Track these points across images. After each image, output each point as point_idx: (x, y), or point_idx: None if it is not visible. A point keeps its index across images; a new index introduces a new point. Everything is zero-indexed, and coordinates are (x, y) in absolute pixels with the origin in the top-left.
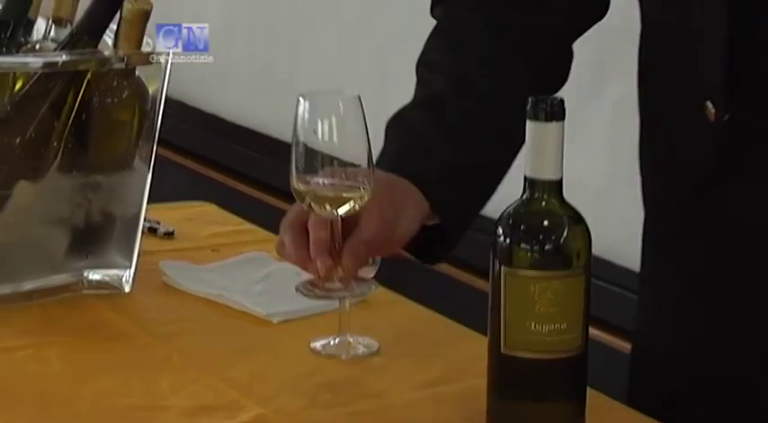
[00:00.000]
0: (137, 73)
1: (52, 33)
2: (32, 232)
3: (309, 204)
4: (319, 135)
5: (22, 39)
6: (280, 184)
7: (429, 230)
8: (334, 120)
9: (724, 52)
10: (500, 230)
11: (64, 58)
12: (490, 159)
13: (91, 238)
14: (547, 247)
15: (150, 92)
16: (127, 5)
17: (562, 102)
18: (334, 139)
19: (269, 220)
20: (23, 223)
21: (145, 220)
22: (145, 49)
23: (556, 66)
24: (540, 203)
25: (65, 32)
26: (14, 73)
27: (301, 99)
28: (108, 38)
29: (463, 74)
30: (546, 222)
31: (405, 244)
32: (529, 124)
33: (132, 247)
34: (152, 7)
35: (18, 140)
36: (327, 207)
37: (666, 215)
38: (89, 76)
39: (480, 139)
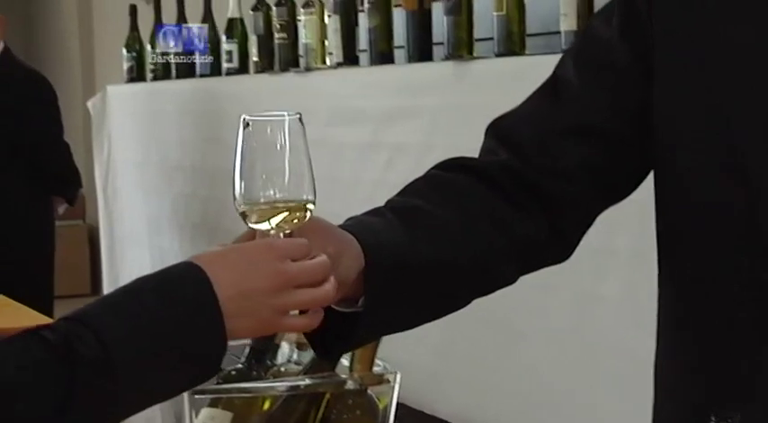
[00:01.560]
0: (369, 391)
1: (295, 356)
2: None
3: (252, 224)
4: (262, 156)
5: (269, 362)
6: None
7: (340, 318)
8: (277, 141)
9: None
10: None
11: (306, 381)
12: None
13: None
14: None
15: (380, 407)
16: None
17: None
18: (278, 159)
19: None
20: None
21: None
22: (376, 369)
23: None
24: None
25: (307, 355)
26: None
27: (243, 120)
28: (345, 360)
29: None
30: None
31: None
32: None
33: None
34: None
35: None
36: (269, 224)
37: None
38: (328, 395)
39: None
